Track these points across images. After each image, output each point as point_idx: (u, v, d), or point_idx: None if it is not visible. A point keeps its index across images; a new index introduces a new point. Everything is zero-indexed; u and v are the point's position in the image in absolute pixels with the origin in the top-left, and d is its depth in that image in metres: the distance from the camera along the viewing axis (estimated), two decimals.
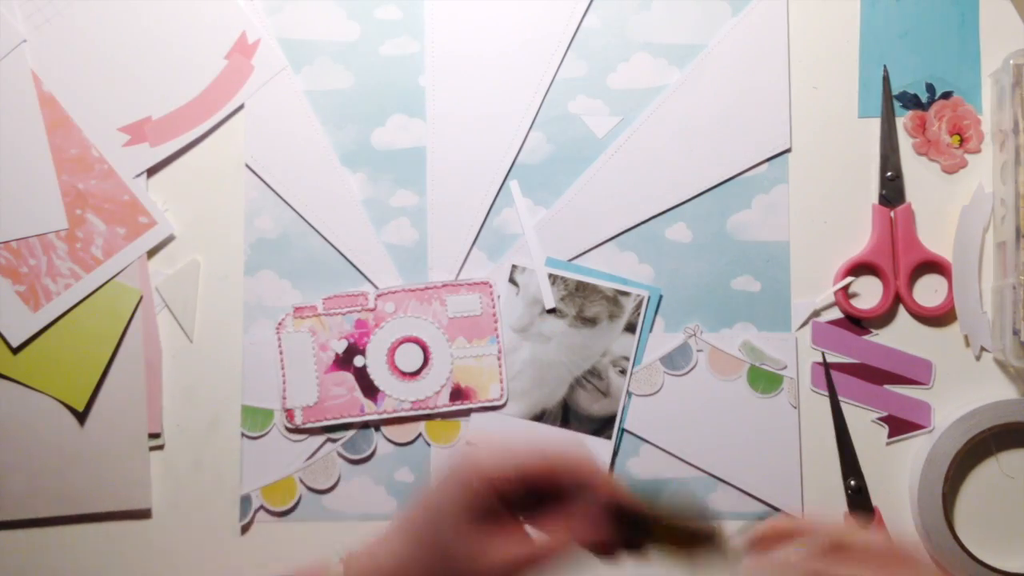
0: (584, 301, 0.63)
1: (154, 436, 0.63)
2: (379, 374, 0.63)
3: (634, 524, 0.42)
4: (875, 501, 0.62)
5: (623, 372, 0.63)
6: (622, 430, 0.63)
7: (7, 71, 0.63)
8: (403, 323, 0.63)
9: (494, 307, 0.63)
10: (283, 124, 0.65)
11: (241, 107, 0.65)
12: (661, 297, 0.64)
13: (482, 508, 0.41)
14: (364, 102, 0.65)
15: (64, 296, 0.63)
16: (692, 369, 0.63)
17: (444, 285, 0.64)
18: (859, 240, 0.64)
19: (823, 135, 0.64)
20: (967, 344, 0.63)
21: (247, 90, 0.64)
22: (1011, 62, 0.61)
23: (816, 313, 0.64)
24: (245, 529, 0.63)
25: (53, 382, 0.63)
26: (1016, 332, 0.60)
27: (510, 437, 0.63)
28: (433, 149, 0.65)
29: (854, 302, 0.64)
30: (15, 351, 0.63)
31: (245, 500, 0.63)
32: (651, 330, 0.64)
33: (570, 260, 0.64)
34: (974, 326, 0.63)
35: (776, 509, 0.62)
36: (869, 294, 0.64)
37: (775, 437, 0.63)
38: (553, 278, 0.64)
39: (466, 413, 0.63)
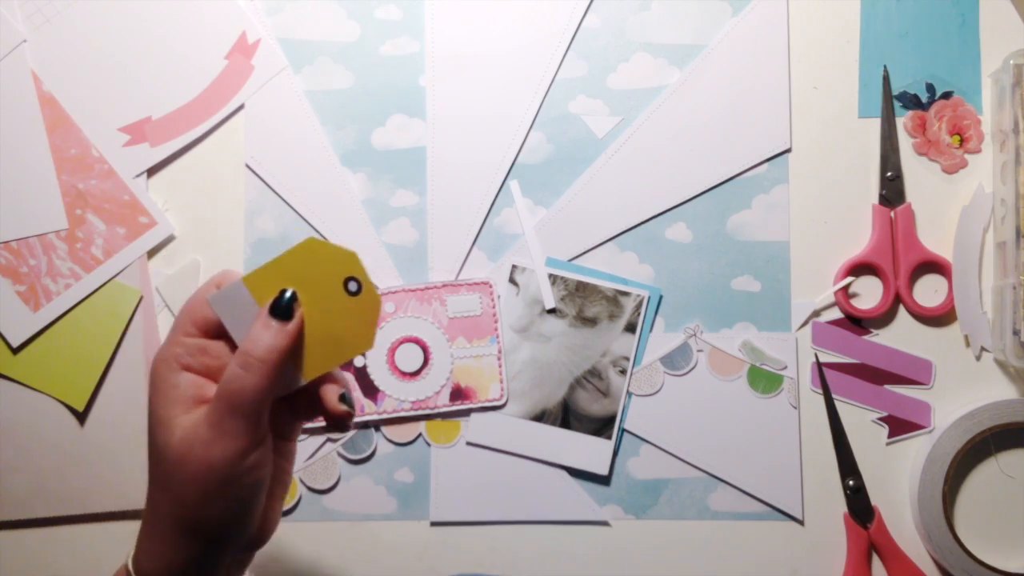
0: (584, 301, 0.63)
1: None
2: (379, 374, 0.63)
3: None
4: (875, 501, 0.62)
5: (623, 372, 0.63)
6: (622, 430, 0.63)
7: (7, 71, 0.63)
8: (403, 323, 0.63)
9: (494, 307, 0.63)
10: (283, 124, 0.65)
11: (241, 107, 0.65)
12: (661, 297, 0.64)
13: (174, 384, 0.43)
14: (364, 102, 0.65)
15: (64, 296, 0.63)
16: (692, 369, 0.63)
17: (444, 285, 0.64)
18: (859, 240, 0.64)
19: (823, 135, 0.64)
20: (967, 344, 0.63)
21: (247, 90, 0.64)
22: (1011, 62, 0.61)
23: (816, 313, 0.64)
24: None
25: (53, 382, 0.63)
26: (1016, 332, 0.60)
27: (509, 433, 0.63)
28: (433, 149, 0.65)
29: (854, 302, 0.64)
30: (15, 351, 0.63)
31: None
32: (651, 330, 0.64)
33: (570, 260, 0.64)
34: (974, 326, 0.63)
35: (776, 509, 0.62)
36: (869, 294, 0.64)
37: (775, 437, 0.63)
38: (553, 278, 0.64)
39: (466, 413, 0.63)
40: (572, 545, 0.63)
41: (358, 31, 0.65)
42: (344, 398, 0.45)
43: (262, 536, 0.46)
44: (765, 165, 0.64)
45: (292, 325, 0.43)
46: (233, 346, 0.44)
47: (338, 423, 0.45)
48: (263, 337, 0.42)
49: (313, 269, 0.44)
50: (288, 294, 0.44)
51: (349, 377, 0.63)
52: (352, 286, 0.44)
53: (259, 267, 0.44)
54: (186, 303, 0.45)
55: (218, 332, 0.44)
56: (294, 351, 0.43)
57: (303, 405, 0.46)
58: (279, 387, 0.43)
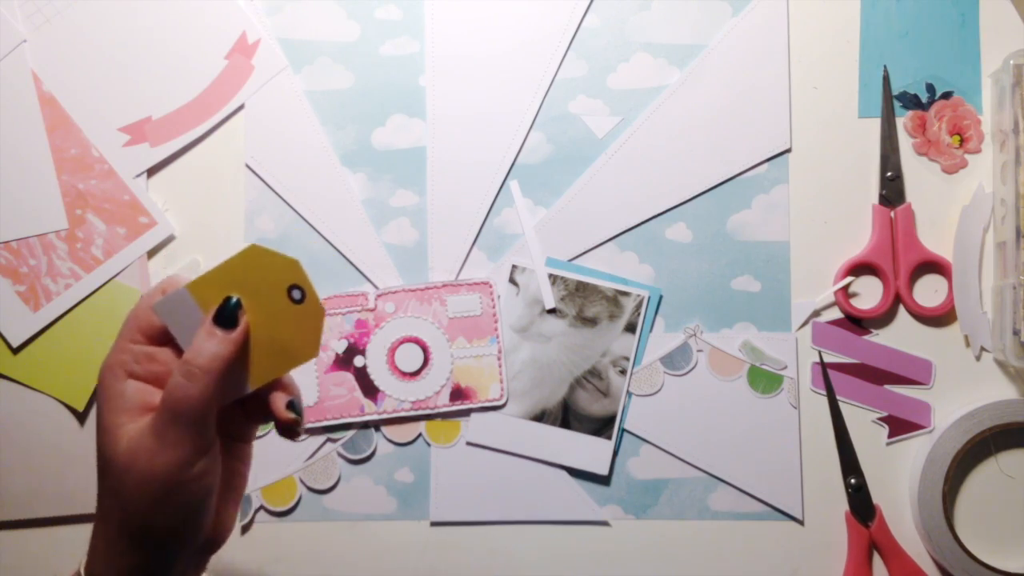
0: (584, 301, 0.63)
1: None
2: (379, 374, 0.63)
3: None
4: (875, 501, 0.62)
5: (623, 372, 0.63)
6: (622, 430, 0.63)
7: (7, 71, 0.63)
8: (403, 323, 0.63)
9: (494, 307, 0.63)
10: (283, 124, 0.65)
11: (241, 107, 0.65)
12: (661, 297, 0.64)
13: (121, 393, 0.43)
14: (364, 102, 0.65)
15: (64, 296, 0.63)
16: (692, 369, 0.63)
17: (444, 285, 0.64)
18: (859, 240, 0.64)
19: (823, 135, 0.64)
20: (967, 344, 0.63)
21: (247, 90, 0.64)
22: (1011, 62, 0.61)
23: (816, 313, 0.64)
24: (245, 529, 0.63)
25: (53, 382, 0.63)
26: (1016, 332, 0.60)
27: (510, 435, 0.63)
28: (433, 149, 0.65)
29: (854, 302, 0.64)
30: (15, 351, 0.63)
31: (245, 500, 0.63)
32: (651, 330, 0.64)
33: (570, 260, 0.64)
34: (974, 326, 0.63)
35: (776, 509, 0.62)
36: (869, 294, 0.64)
37: (775, 437, 0.63)
38: (553, 278, 0.64)
39: (466, 413, 0.63)
40: (572, 545, 0.63)
41: (358, 31, 0.65)
42: (292, 405, 0.44)
43: (216, 539, 0.46)
44: (765, 165, 0.64)
45: (236, 333, 0.42)
46: (180, 352, 0.43)
47: (286, 430, 0.45)
48: (207, 346, 0.42)
49: (257, 276, 0.43)
50: (233, 301, 0.43)
51: (348, 376, 0.63)
52: (296, 294, 0.43)
53: (203, 273, 0.43)
54: (132, 310, 0.44)
55: (164, 339, 0.44)
56: (239, 359, 0.43)
57: (255, 408, 0.45)
58: (224, 395, 0.43)
